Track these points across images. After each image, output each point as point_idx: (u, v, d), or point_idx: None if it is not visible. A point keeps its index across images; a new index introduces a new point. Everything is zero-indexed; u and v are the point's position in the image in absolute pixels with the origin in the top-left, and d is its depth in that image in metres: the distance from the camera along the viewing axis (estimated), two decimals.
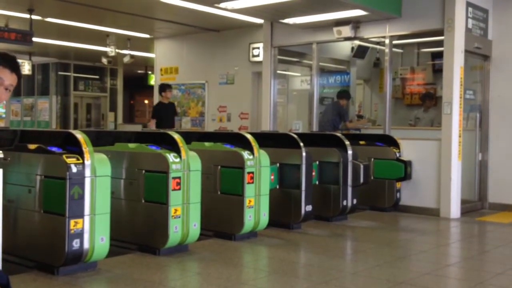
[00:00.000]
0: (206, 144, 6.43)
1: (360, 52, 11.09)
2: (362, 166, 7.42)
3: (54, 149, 4.73)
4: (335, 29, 9.00)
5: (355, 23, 8.87)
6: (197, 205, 5.47)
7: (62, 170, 4.48)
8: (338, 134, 7.76)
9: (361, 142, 8.51)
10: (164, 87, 10.45)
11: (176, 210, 5.26)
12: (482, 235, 7.38)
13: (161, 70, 13.43)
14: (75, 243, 4.49)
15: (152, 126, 9.95)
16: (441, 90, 8.43)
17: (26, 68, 15.76)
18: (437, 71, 10.46)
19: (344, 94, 10.13)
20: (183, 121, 12.78)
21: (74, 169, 4.49)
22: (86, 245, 4.56)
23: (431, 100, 10.39)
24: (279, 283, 4.77)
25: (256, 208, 6.09)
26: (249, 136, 6.25)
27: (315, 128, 9.61)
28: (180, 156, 5.33)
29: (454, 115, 7.97)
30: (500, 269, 5.26)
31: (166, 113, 10.18)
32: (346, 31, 8.90)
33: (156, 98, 13.38)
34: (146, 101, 24.97)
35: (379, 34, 8.94)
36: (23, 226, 4.88)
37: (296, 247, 6.19)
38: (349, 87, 11.17)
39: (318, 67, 9.82)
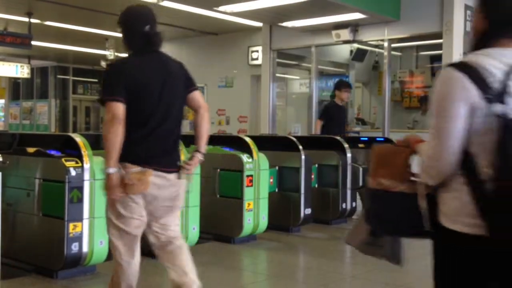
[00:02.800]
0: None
1: (359, 55, 11.11)
2: (361, 169, 7.42)
3: (53, 152, 4.73)
4: (334, 32, 9.01)
5: (354, 26, 8.89)
6: (196, 208, 5.47)
7: (61, 173, 4.48)
8: (337, 137, 7.76)
9: (360, 145, 8.51)
10: (340, 85, 8.05)
11: None
12: None
13: None
14: (74, 247, 4.48)
15: (317, 128, 8.19)
16: None
17: (25, 71, 15.75)
18: (436, 74, 10.48)
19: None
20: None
21: (73, 173, 4.49)
22: (85, 248, 4.55)
23: (426, 103, 10.42)
24: (278, 287, 4.76)
25: (255, 211, 6.09)
26: (248, 139, 6.25)
27: (313, 131, 9.62)
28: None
29: None
30: None
31: (338, 116, 8.08)
32: (345, 34, 8.91)
33: None
34: None
35: (378, 37, 8.96)
36: (22, 230, 4.87)
37: (295, 250, 6.19)
38: None
39: (317, 70, 9.83)
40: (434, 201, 1.84)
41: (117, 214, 3.18)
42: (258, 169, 6.12)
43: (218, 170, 6.17)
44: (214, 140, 6.71)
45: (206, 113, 3.44)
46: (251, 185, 6.04)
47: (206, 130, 3.45)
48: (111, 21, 11.22)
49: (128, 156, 3.09)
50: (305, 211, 6.70)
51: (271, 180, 6.52)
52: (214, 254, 5.71)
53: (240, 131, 11.43)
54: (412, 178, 1.87)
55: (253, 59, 11.50)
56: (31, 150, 4.92)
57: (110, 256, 4.87)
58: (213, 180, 6.19)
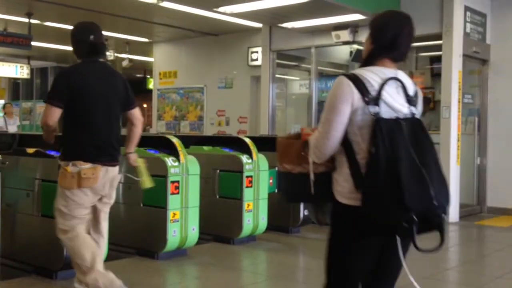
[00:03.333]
0: (205, 148, 6.42)
1: (358, 56, 11.10)
2: None
3: (52, 153, 4.72)
4: (333, 33, 9.02)
5: (353, 27, 8.89)
6: (195, 209, 5.47)
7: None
8: None
9: None
10: None
11: (174, 214, 5.26)
12: (481, 239, 7.38)
13: (159, 74, 13.43)
14: None
15: None
16: (440, 94, 8.44)
17: (24, 72, 15.75)
18: (436, 75, 10.45)
19: None
20: (181, 125, 12.79)
21: None
22: None
23: (426, 104, 10.42)
24: (278, 287, 4.76)
25: (254, 212, 6.09)
26: (247, 140, 6.25)
27: None
28: (178, 160, 5.33)
29: (452, 119, 7.98)
30: (499, 273, 5.26)
31: None
32: (345, 35, 8.92)
33: (155, 101, 13.39)
34: (144, 105, 24.97)
35: None
36: (22, 230, 4.87)
37: (294, 251, 6.19)
38: None
39: (316, 71, 9.84)
40: (329, 179, 2.38)
41: (67, 203, 3.75)
42: (258, 170, 6.13)
43: (218, 171, 6.17)
44: (214, 141, 6.72)
45: (141, 125, 4.09)
46: (251, 186, 6.04)
47: (137, 137, 4.08)
48: (111, 21, 11.28)
49: (80, 155, 3.72)
50: (304, 212, 6.70)
51: (271, 181, 6.52)
52: (213, 255, 5.71)
53: (240, 132, 11.43)
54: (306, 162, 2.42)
55: (252, 60, 11.50)
56: (30, 150, 4.92)
57: (110, 256, 4.87)
58: (213, 181, 6.19)
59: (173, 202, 5.25)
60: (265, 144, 6.72)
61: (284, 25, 9.10)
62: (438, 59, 8.73)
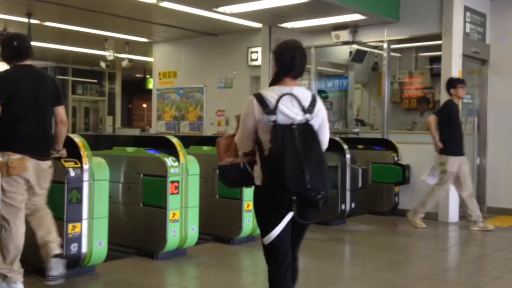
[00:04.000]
0: (205, 148, 6.42)
1: (358, 56, 11.10)
2: (360, 170, 7.42)
3: None
4: (333, 33, 9.02)
5: (353, 27, 8.89)
6: (195, 209, 5.47)
7: (60, 174, 4.48)
8: (337, 138, 7.77)
9: (360, 146, 8.52)
10: (454, 82, 7.51)
11: (174, 214, 5.26)
12: (481, 239, 7.37)
13: (159, 74, 13.42)
14: (73, 247, 4.49)
15: (432, 123, 7.52)
16: (439, 94, 8.44)
17: None
18: (435, 75, 10.47)
19: None
20: (181, 125, 12.79)
21: (72, 173, 4.49)
22: (84, 249, 4.55)
23: (425, 104, 10.43)
24: None
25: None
26: None
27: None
28: (178, 160, 5.33)
29: None
30: (499, 273, 5.26)
31: (457, 116, 7.56)
32: (344, 35, 8.91)
33: (155, 101, 13.39)
34: (144, 105, 24.97)
35: (377, 38, 8.96)
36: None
37: None
38: (347, 91, 11.18)
39: (316, 71, 9.84)
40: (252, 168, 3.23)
41: (4, 191, 4.09)
42: None
43: (217, 171, 6.15)
44: (213, 141, 6.70)
45: (64, 127, 4.46)
46: (250, 186, 6.02)
47: (62, 136, 4.46)
48: (111, 22, 11.27)
49: (11, 146, 4.14)
50: None
51: None
52: (213, 255, 5.71)
53: None
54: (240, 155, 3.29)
55: (252, 60, 11.49)
56: None
57: (109, 256, 4.87)
58: (212, 181, 6.18)
59: (173, 202, 5.25)
60: None
61: (284, 25, 9.10)
62: (437, 59, 8.74)
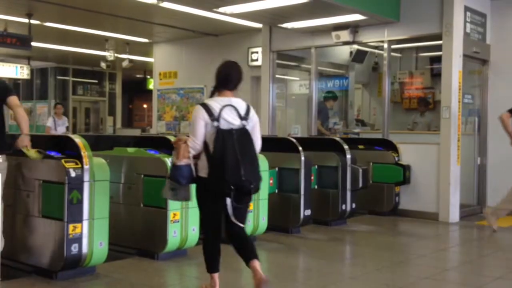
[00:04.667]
0: None
1: (358, 57, 11.10)
2: (361, 170, 7.42)
3: (52, 153, 4.73)
4: (333, 33, 9.02)
5: (353, 27, 8.89)
6: (196, 210, 5.45)
7: (60, 174, 4.48)
8: (337, 139, 7.77)
9: (360, 146, 8.52)
10: None
11: (175, 214, 5.26)
12: (481, 239, 7.38)
13: (159, 74, 13.43)
14: (74, 248, 4.49)
15: (506, 120, 7.30)
16: (440, 94, 8.44)
17: (25, 72, 15.76)
18: (436, 75, 10.47)
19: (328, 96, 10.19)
20: (182, 125, 12.79)
21: (72, 174, 4.49)
22: (84, 249, 4.55)
23: (424, 104, 10.43)
24: None
25: (255, 213, 6.09)
26: None
27: (313, 132, 9.61)
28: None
29: (452, 120, 7.98)
30: (499, 273, 5.26)
31: None
32: (345, 35, 8.91)
33: (155, 102, 13.38)
34: (145, 106, 24.97)
35: (378, 38, 8.96)
36: (22, 231, 4.87)
37: (295, 252, 6.19)
38: (347, 91, 11.18)
39: (316, 72, 9.84)
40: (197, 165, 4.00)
41: None
42: None
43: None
44: None
45: (20, 109, 4.75)
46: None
47: (20, 120, 4.66)
48: (111, 22, 11.28)
49: None
50: (304, 212, 6.71)
51: (271, 181, 6.53)
52: None
53: None
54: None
55: (253, 60, 11.49)
56: None
57: (110, 256, 4.87)
58: None
59: (174, 202, 5.23)
60: (265, 144, 6.71)
61: (284, 25, 9.10)
62: (438, 59, 8.74)
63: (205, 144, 3.95)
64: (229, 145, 3.84)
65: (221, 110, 3.94)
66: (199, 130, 3.93)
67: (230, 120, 3.95)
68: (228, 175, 3.81)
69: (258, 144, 4.12)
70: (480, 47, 8.63)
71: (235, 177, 3.83)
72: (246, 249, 4.13)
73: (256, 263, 4.02)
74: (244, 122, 3.99)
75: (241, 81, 4.19)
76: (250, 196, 4.03)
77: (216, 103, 3.97)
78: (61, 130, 11.54)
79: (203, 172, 3.93)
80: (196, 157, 4.01)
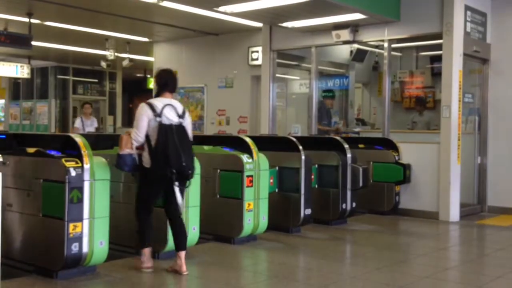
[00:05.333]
0: (205, 147, 6.42)
1: (359, 56, 11.10)
2: (361, 170, 7.42)
3: (53, 152, 4.73)
4: (334, 32, 9.01)
5: (354, 26, 8.88)
6: (196, 209, 5.47)
7: (61, 173, 4.48)
8: (337, 138, 7.77)
9: (360, 146, 8.52)
10: None
11: None
12: (482, 239, 7.38)
13: None
14: (74, 247, 4.49)
15: None
16: (440, 93, 8.44)
17: (25, 71, 15.75)
18: (436, 74, 10.47)
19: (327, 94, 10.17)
20: None
21: (73, 173, 4.49)
22: (85, 249, 4.55)
23: (421, 104, 10.44)
24: (279, 287, 4.76)
25: (255, 212, 6.09)
26: (248, 140, 6.25)
27: (314, 131, 9.61)
28: None
29: (453, 119, 7.98)
30: (500, 272, 5.26)
31: None
32: (345, 34, 8.91)
33: None
34: None
35: (378, 37, 8.96)
36: (22, 230, 4.87)
37: (295, 251, 6.19)
38: (348, 90, 11.18)
39: (317, 71, 9.83)
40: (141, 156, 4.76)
41: None
42: (258, 169, 6.13)
43: (218, 170, 6.17)
44: (214, 140, 6.72)
45: None
46: (251, 186, 6.04)
47: None
48: (111, 21, 11.28)
49: None
50: (305, 211, 6.71)
51: (271, 181, 6.53)
52: (214, 255, 5.72)
53: (240, 132, 11.43)
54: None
55: (253, 60, 11.49)
56: (31, 150, 4.92)
57: (110, 256, 4.88)
58: (213, 181, 6.19)
59: None
60: (266, 143, 6.73)
61: (285, 24, 9.10)
62: (438, 58, 8.73)
63: (148, 137, 4.71)
64: (170, 137, 4.65)
65: (163, 108, 4.74)
66: (142, 125, 4.69)
67: (170, 117, 4.75)
68: (171, 161, 4.60)
69: (191, 137, 4.97)
70: (481, 46, 8.63)
71: (177, 163, 4.61)
72: (181, 237, 4.88)
73: (183, 254, 4.84)
74: (181, 119, 4.82)
75: (177, 85, 5.18)
76: (188, 179, 4.82)
77: (159, 103, 4.78)
78: (90, 130, 11.05)
79: (146, 163, 4.71)
80: (141, 148, 4.75)
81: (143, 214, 4.92)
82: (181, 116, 4.82)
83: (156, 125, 4.66)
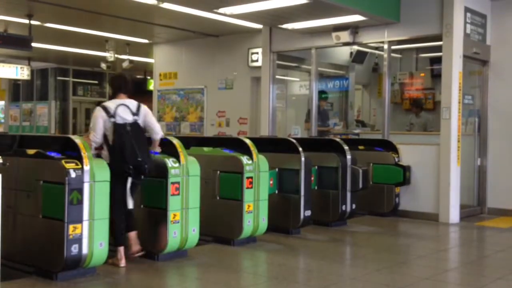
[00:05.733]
0: (205, 149, 6.42)
1: (359, 57, 11.11)
2: (361, 171, 7.42)
3: (53, 154, 4.73)
4: (333, 34, 9.02)
5: (353, 28, 8.89)
6: (196, 210, 5.47)
7: (61, 175, 4.48)
8: (337, 139, 7.77)
9: (360, 147, 8.52)
10: None
11: (175, 215, 5.26)
12: (481, 240, 7.38)
13: (160, 75, 13.43)
14: (74, 248, 4.49)
15: None
16: (440, 95, 8.44)
17: (25, 73, 15.75)
18: (436, 76, 10.48)
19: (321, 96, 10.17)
20: (182, 126, 12.79)
21: (73, 174, 4.49)
22: (85, 250, 4.55)
23: (418, 106, 10.44)
24: None
25: (255, 213, 6.09)
26: (248, 141, 6.25)
27: (313, 133, 9.61)
28: (179, 161, 5.33)
29: (452, 120, 7.98)
30: (500, 274, 5.26)
31: None
32: (345, 36, 8.91)
33: (156, 102, 13.38)
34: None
35: (378, 39, 8.96)
36: (22, 231, 4.87)
37: (295, 252, 6.19)
38: (347, 92, 11.18)
39: (317, 72, 9.84)
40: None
41: None
42: (258, 171, 6.13)
43: (218, 172, 6.17)
44: (214, 142, 6.72)
45: None
46: (251, 187, 6.04)
47: None
48: (111, 23, 11.29)
49: None
50: (305, 213, 6.70)
51: (271, 182, 6.52)
52: (214, 256, 5.71)
53: (240, 133, 11.44)
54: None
55: (253, 61, 11.50)
56: (31, 151, 4.92)
57: (110, 257, 4.87)
58: (213, 182, 6.19)
59: (174, 203, 5.25)
60: (266, 145, 6.73)
61: (284, 26, 9.10)
62: (438, 60, 8.73)
63: (106, 137, 5.07)
64: (125, 135, 5.00)
65: (116, 108, 5.12)
66: (98, 126, 5.08)
67: (124, 116, 5.13)
68: (128, 158, 4.92)
69: (156, 126, 5.38)
70: (480, 48, 8.63)
71: (133, 160, 4.94)
72: (131, 222, 5.19)
73: (134, 234, 5.18)
74: (135, 117, 5.19)
75: (129, 87, 5.47)
76: (145, 174, 5.08)
77: (112, 104, 5.19)
78: None
79: (106, 159, 4.97)
80: (100, 149, 5.11)
81: (115, 214, 4.98)
82: (136, 114, 5.20)
83: (111, 125, 5.04)
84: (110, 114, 5.06)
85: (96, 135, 5.05)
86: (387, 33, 8.72)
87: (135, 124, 5.14)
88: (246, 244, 6.16)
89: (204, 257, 5.62)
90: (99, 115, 5.08)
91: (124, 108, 5.14)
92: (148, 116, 5.29)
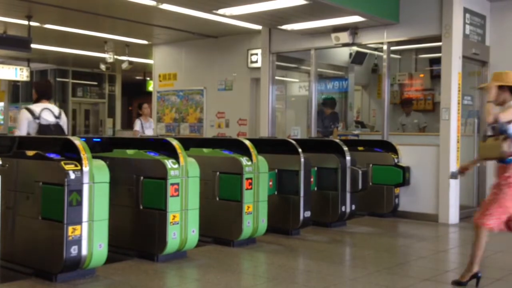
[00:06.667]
0: (205, 150, 6.42)
1: (358, 58, 11.11)
2: (360, 172, 7.42)
3: (52, 155, 4.72)
4: (333, 35, 9.02)
5: (353, 29, 8.89)
6: (195, 211, 5.47)
7: (60, 176, 4.48)
8: (337, 140, 7.77)
9: (360, 148, 8.52)
10: None
11: (174, 216, 5.25)
12: None
13: (159, 76, 13.44)
14: (73, 250, 4.48)
15: None
16: (439, 96, 8.44)
17: (24, 74, 15.75)
18: (435, 77, 10.48)
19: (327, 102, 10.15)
20: (181, 127, 12.79)
21: (72, 176, 4.49)
22: (84, 251, 4.55)
23: (407, 105, 10.39)
24: None
25: (254, 214, 6.09)
26: (247, 142, 6.25)
27: (313, 134, 9.61)
28: (178, 162, 5.32)
29: (452, 121, 7.98)
30: (499, 274, 5.26)
31: None
32: (344, 37, 8.92)
33: (155, 103, 13.39)
34: None
35: (377, 40, 8.96)
36: (21, 233, 4.87)
37: (294, 253, 6.19)
38: (347, 93, 11.18)
39: (316, 73, 9.84)
40: None
41: None
42: (258, 172, 6.12)
43: (218, 173, 6.17)
44: (213, 143, 6.72)
45: None
46: (251, 188, 6.04)
47: None
48: (110, 24, 11.29)
49: None
50: (304, 214, 6.70)
51: (271, 183, 6.52)
52: (213, 257, 5.71)
53: (240, 134, 11.43)
54: None
55: (252, 62, 11.50)
56: (30, 153, 4.92)
57: (109, 258, 4.87)
58: (213, 183, 6.19)
59: (173, 204, 5.25)
60: (265, 146, 6.73)
61: (284, 27, 9.10)
62: (437, 61, 8.74)
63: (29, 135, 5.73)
64: (49, 134, 5.70)
65: (40, 111, 5.92)
66: (23, 127, 5.84)
67: (48, 118, 5.94)
68: None
69: (66, 133, 6.08)
70: (480, 48, 8.64)
71: None
72: None
73: None
74: (57, 119, 6.03)
75: (51, 93, 6.38)
76: None
77: (37, 108, 5.96)
78: (149, 133, 10.42)
79: None
80: None
81: None
82: (58, 117, 6.06)
83: (36, 126, 5.84)
84: (35, 116, 5.88)
85: (20, 133, 5.79)
86: (386, 34, 8.73)
87: (57, 125, 6.00)
88: (246, 245, 6.16)
89: (204, 258, 5.62)
90: (24, 117, 5.86)
91: (48, 112, 5.98)
92: (65, 124, 6.16)
